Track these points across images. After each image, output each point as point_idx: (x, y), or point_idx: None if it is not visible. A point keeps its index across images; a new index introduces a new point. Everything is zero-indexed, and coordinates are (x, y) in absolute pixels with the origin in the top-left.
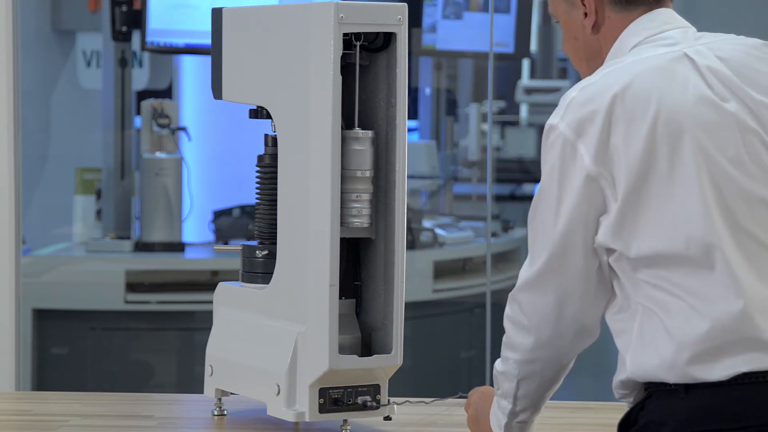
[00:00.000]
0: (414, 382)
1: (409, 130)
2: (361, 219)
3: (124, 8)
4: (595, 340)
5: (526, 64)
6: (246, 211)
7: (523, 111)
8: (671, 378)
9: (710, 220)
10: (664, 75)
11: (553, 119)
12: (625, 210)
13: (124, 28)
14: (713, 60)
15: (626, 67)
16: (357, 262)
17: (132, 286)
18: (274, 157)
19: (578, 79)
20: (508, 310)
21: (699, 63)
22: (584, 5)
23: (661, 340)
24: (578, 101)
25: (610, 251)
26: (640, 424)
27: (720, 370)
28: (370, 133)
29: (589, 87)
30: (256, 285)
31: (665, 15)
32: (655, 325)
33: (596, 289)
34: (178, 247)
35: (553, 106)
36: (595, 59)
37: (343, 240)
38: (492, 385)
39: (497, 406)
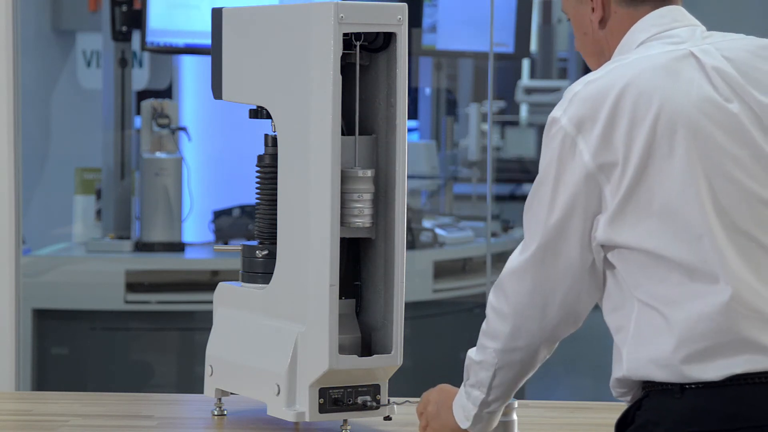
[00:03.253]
0: (414, 382)
1: (409, 130)
2: (362, 219)
3: (124, 8)
4: (576, 329)
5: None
6: (246, 211)
7: (523, 111)
8: (665, 376)
9: (707, 222)
10: (667, 74)
11: (556, 112)
12: (625, 204)
13: (124, 28)
14: (719, 59)
15: (630, 64)
16: (357, 262)
17: (132, 286)
18: (274, 157)
19: (580, 77)
20: (492, 298)
21: (705, 62)
22: (591, 0)
23: (657, 337)
24: (581, 96)
25: (607, 248)
26: (637, 423)
27: (714, 370)
28: (369, 172)
29: (594, 83)
30: (256, 285)
31: (675, 12)
32: (652, 321)
33: (588, 285)
34: (178, 247)
35: (554, 106)
36: (603, 54)
37: (343, 240)
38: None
39: (466, 397)
